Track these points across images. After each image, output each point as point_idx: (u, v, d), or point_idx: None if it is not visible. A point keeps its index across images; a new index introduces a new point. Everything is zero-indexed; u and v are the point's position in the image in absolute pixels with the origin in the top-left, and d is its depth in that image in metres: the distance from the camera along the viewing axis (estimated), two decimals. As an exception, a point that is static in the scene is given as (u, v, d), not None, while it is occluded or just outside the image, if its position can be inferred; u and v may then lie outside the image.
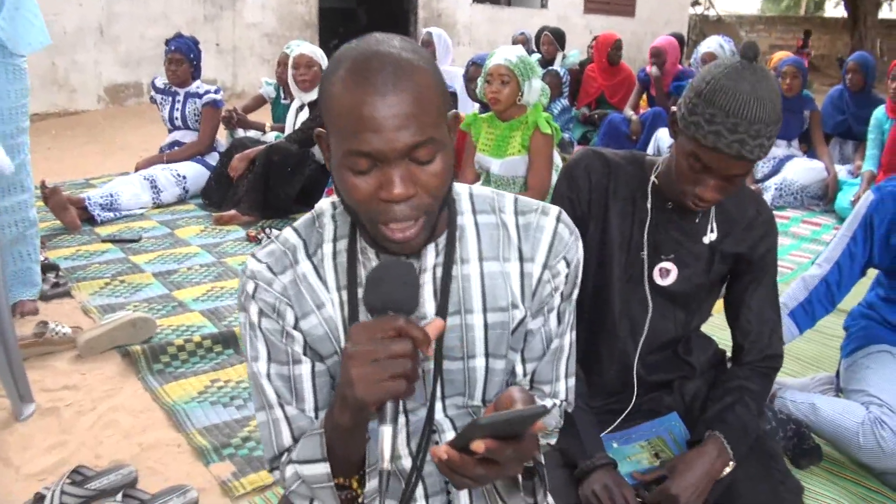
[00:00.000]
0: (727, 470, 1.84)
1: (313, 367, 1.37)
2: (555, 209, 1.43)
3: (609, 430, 2.02)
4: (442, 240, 1.36)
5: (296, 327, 1.35)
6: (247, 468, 2.46)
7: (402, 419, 1.42)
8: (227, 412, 2.80)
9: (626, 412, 2.01)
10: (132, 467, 2.41)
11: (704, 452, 1.83)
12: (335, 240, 1.37)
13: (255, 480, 2.40)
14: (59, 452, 2.57)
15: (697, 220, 1.93)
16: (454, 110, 1.28)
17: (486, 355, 1.40)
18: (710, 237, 1.92)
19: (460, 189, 1.42)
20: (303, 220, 1.42)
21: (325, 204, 1.42)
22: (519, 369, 1.49)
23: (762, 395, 2.01)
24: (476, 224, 1.40)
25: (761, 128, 1.65)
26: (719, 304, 2.13)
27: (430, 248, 1.34)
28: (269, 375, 1.36)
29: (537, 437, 1.16)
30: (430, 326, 1.15)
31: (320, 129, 1.26)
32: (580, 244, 1.43)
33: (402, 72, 1.14)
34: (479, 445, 1.07)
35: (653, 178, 1.92)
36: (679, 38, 9.07)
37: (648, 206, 1.92)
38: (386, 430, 1.11)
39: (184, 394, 2.93)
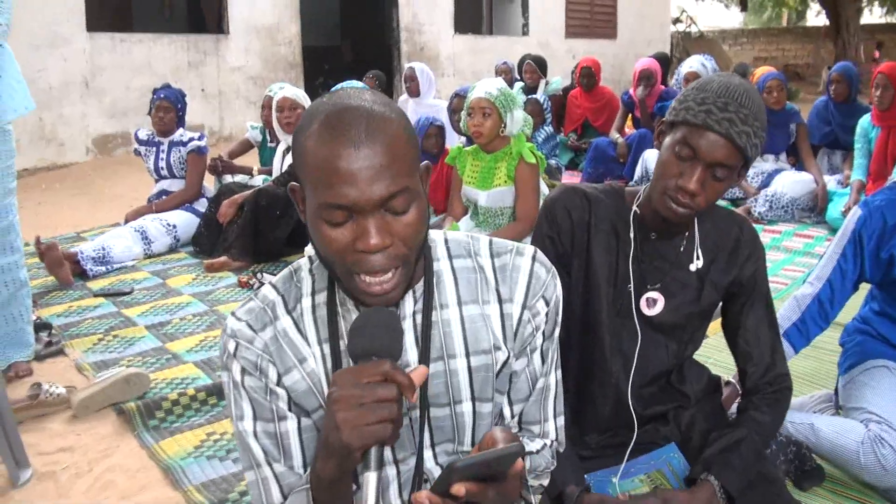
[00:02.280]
0: None
1: (299, 422, 1.37)
2: (530, 249, 1.44)
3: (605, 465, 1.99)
4: (419, 287, 1.36)
5: (279, 384, 1.35)
6: (245, 523, 2.44)
7: (392, 470, 1.42)
8: (223, 466, 2.77)
9: (628, 446, 1.98)
10: (129, 529, 2.39)
11: (694, 498, 1.79)
12: (314, 293, 1.38)
13: (253, 536, 2.36)
14: (56, 518, 2.54)
15: (682, 248, 1.92)
16: (426, 162, 1.29)
17: (473, 399, 1.41)
18: (697, 264, 1.91)
19: (435, 235, 1.43)
20: (280, 275, 1.43)
21: (302, 259, 1.43)
22: (507, 411, 1.49)
23: (773, 426, 1.98)
24: (452, 269, 1.41)
25: (749, 115, 1.69)
26: (716, 325, 2.11)
27: (409, 296, 1.35)
28: (255, 434, 1.36)
29: (520, 477, 1.15)
30: (414, 373, 1.16)
31: (294, 182, 1.27)
32: (558, 282, 1.44)
33: (374, 124, 1.16)
34: (459, 489, 1.06)
35: (635, 207, 1.92)
36: (663, 57, 9.14)
37: (631, 236, 1.91)
38: (371, 477, 1.11)
39: (180, 449, 2.90)
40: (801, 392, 3.03)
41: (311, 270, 1.40)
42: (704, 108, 1.71)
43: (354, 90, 1.24)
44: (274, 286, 1.40)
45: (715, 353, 3.37)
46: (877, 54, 19.63)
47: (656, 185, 1.81)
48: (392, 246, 1.18)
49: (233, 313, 1.37)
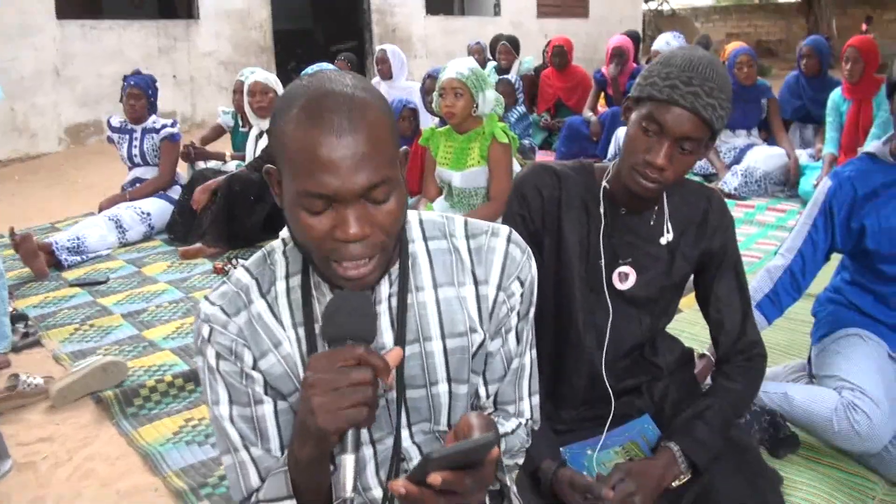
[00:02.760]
0: (678, 482, 1.82)
1: (275, 405, 1.36)
2: (505, 229, 1.43)
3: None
4: (395, 269, 1.36)
5: (255, 368, 1.34)
6: (225, 507, 2.45)
7: (369, 450, 1.42)
8: (202, 451, 2.78)
9: (604, 420, 1.99)
10: (110, 516, 2.39)
11: (652, 464, 1.82)
12: (288, 276, 1.37)
13: (234, 519, 2.37)
14: (37, 507, 2.53)
15: (652, 223, 1.94)
16: (404, 147, 1.28)
17: (449, 381, 1.41)
18: (667, 238, 1.93)
19: (410, 216, 1.42)
20: (254, 258, 1.42)
21: (275, 241, 1.42)
22: (482, 391, 1.49)
23: (746, 393, 2.00)
24: (428, 251, 1.40)
25: (714, 88, 1.70)
26: (689, 300, 2.13)
27: (384, 279, 1.35)
28: (231, 418, 1.35)
29: (496, 463, 1.15)
30: (389, 355, 1.16)
31: (270, 165, 1.25)
32: (533, 262, 1.44)
33: (357, 111, 1.14)
34: (435, 478, 1.06)
35: (604, 183, 1.93)
36: (634, 35, 9.14)
37: (601, 211, 1.92)
38: (348, 459, 1.11)
39: (158, 436, 2.90)
40: (775, 363, 3.06)
41: (284, 253, 1.39)
42: (669, 83, 1.71)
43: (335, 73, 1.22)
44: (247, 269, 1.39)
45: (688, 327, 3.40)
46: (864, 27, 19.65)
47: (625, 161, 1.82)
48: (371, 235, 1.18)
49: (206, 297, 1.37)
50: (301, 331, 1.35)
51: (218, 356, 1.33)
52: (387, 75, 7.63)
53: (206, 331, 1.33)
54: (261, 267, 1.39)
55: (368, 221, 1.17)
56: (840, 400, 2.36)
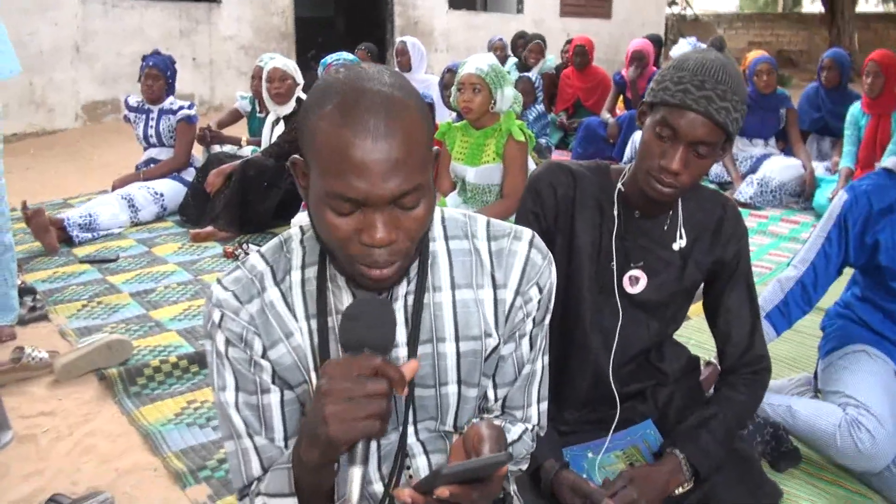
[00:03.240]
0: (681, 489, 1.82)
1: (282, 395, 1.35)
2: (528, 233, 1.41)
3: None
4: (413, 267, 1.33)
5: (264, 356, 1.32)
6: (223, 490, 2.44)
7: (373, 444, 1.40)
8: (203, 434, 2.78)
9: (607, 423, 1.98)
10: (108, 494, 2.39)
11: (657, 471, 1.82)
12: (304, 267, 1.35)
13: (231, 503, 2.38)
14: (36, 481, 2.54)
15: (666, 227, 1.93)
16: (437, 148, 1.25)
17: (459, 382, 1.39)
18: (680, 244, 1.92)
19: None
20: (270, 245, 1.39)
21: (293, 229, 1.40)
22: (491, 394, 1.48)
23: (749, 405, 1.99)
24: (448, 251, 1.38)
25: (727, 91, 1.68)
26: (697, 307, 2.12)
27: None
28: (237, 405, 1.34)
29: (503, 477, 1.15)
30: (405, 367, 1.13)
31: (296, 157, 1.23)
32: (553, 269, 1.42)
33: (393, 113, 1.10)
34: (443, 492, 1.06)
35: (619, 185, 1.92)
36: (656, 39, 9.12)
37: (615, 213, 1.91)
38: (356, 471, 1.09)
39: (160, 416, 2.91)
40: (781, 375, 3.05)
41: (301, 242, 1.36)
42: (682, 88, 1.70)
43: (373, 68, 1.17)
44: (263, 256, 1.37)
45: (696, 335, 3.38)
46: None
47: (640, 165, 1.81)
48: (397, 241, 1.15)
49: (219, 281, 1.34)
50: (314, 323, 1.33)
51: (227, 342, 1.31)
52: (406, 67, 7.62)
53: (216, 316, 1.31)
54: (277, 255, 1.37)
55: (395, 227, 1.14)
56: (844, 416, 2.35)
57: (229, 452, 1.38)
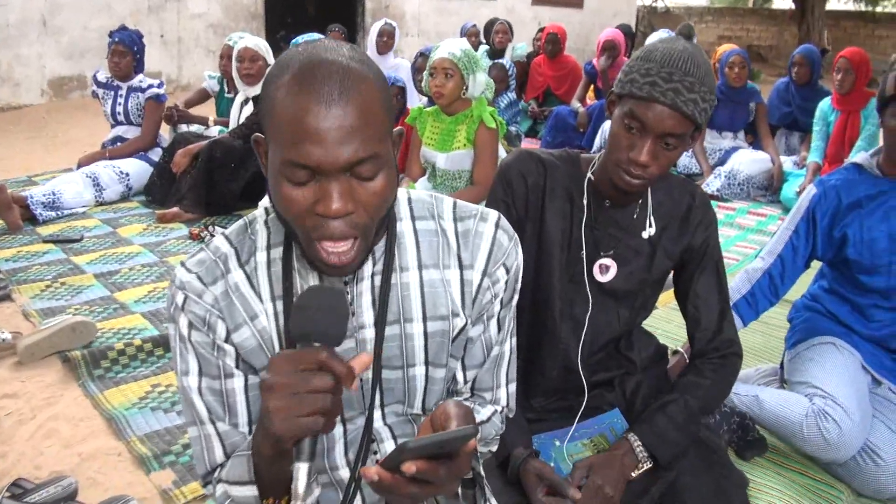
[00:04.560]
0: (637, 472, 1.83)
1: (246, 380, 1.33)
2: (494, 214, 1.41)
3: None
4: (380, 247, 1.33)
5: (227, 340, 1.31)
6: (188, 476, 2.42)
7: (339, 428, 1.39)
8: (167, 418, 2.75)
9: (574, 411, 1.99)
10: (72, 479, 2.36)
11: (612, 455, 1.83)
12: (269, 248, 1.33)
13: (196, 489, 2.36)
14: (-2, 464, 2.50)
15: (635, 216, 1.93)
16: (399, 128, 1.25)
17: (427, 364, 1.38)
18: (650, 231, 1.92)
19: (399, 194, 1.39)
20: (234, 226, 1.37)
21: (258, 210, 1.38)
22: (460, 376, 1.47)
23: (717, 390, 1.99)
24: (415, 231, 1.37)
25: (695, 82, 1.68)
26: (666, 297, 2.12)
27: (368, 256, 1.31)
28: (200, 390, 1.32)
29: (471, 454, 1.13)
30: (355, 361, 1.12)
31: (258, 134, 1.22)
32: (519, 250, 1.42)
33: (349, 82, 1.10)
34: (409, 467, 1.04)
35: (589, 174, 1.92)
36: (627, 29, 9.14)
37: (585, 202, 1.91)
38: (301, 468, 1.07)
39: (124, 400, 2.87)
40: (748, 365, 3.07)
41: (266, 223, 1.35)
42: (649, 80, 1.69)
43: (332, 42, 1.18)
44: (227, 238, 1.35)
45: (663, 324, 3.40)
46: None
47: (609, 157, 1.80)
48: (354, 213, 1.14)
49: (182, 263, 1.32)
50: (279, 304, 1.31)
51: (190, 325, 1.29)
52: (386, 50, 7.53)
53: (180, 298, 1.29)
54: (241, 236, 1.35)
55: (352, 198, 1.13)
56: (811, 407, 2.37)
57: (192, 438, 1.36)
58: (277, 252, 1.32)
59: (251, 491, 1.23)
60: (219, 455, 1.33)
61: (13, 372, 3.10)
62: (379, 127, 1.13)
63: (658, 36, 7.39)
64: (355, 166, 1.11)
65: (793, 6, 21.83)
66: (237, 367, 1.32)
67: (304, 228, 1.16)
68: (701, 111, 1.69)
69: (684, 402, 1.91)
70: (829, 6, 22.41)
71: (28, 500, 2.23)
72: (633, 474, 1.83)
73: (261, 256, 1.33)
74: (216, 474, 1.33)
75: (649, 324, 2.28)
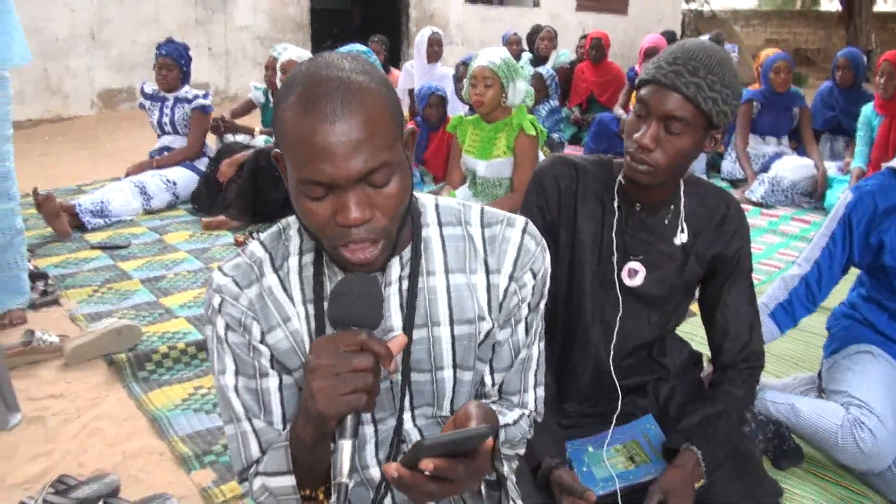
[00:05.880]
0: (698, 484, 1.83)
1: (280, 380, 1.38)
2: (521, 220, 1.43)
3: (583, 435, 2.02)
4: (406, 252, 1.36)
5: (262, 341, 1.35)
6: (227, 475, 2.47)
7: (371, 429, 1.43)
8: (209, 419, 2.82)
9: (608, 417, 2.00)
10: (115, 476, 2.42)
11: (682, 471, 1.81)
12: (301, 253, 1.38)
13: (234, 488, 2.41)
14: (43, 461, 2.58)
15: (667, 221, 1.94)
16: (410, 127, 1.28)
17: (454, 367, 1.41)
18: (681, 238, 1.93)
19: (426, 201, 1.43)
20: (269, 232, 1.42)
21: (291, 217, 1.42)
22: (488, 380, 1.50)
23: (746, 401, 2.00)
24: (442, 236, 1.40)
25: (700, 67, 1.70)
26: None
27: (395, 261, 1.35)
28: (236, 389, 1.37)
29: (491, 453, 1.16)
30: (392, 342, 1.17)
31: (277, 150, 1.26)
32: (547, 255, 1.44)
33: (351, 96, 1.13)
34: (427, 464, 1.07)
35: (620, 178, 1.93)
36: (670, 35, 9.08)
37: (616, 206, 1.93)
38: (345, 444, 1.12)
39: (167, 401, 2.94)
40: (786, 374, 3.06)
41: (299, 229, 1.39)
42: (656, 66, 1.74)
43: (334, 56, 1.21)
44: (262, 243, 1.40)
45: (700, 331, 3.37)
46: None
47: (625, 148, 1.83)
48: (373, 219, 1.18)
49: (219, 268, 1.38)
50: (311, 308, 1.36)
51: (227, 327, 1.34)
52: (437, 58, 7.56)
53: (216, 301, 1.34)
54: (275, 242, 1.40)
55: (369, 205, 1.17)
56: (847, 415, 2.36)
57: (229, 436, 1.41)
58: (309, 257, 1.37)
59: (289, 481, 1.28)
60: (255, 451, 1.38)
61: (60, 373, 3.19)
62: (386, 134, 1.17)
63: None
64: (367, 176, 1.15)
65: (840, 9, 21.57)
66: (272, 367, 1.37)
67: (328, 237, 1.20)
68: (707, 99, 1.70)
69: (733, 417, 1.92)
70: (877, 8, 22.09)
71: (71, 495, 2.29)
72: (696, 487, 1.84)
73: (293, 261, 1.37)
74: (252, 469, 1.38)
75: (687, 330, 2.29)
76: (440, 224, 1.42)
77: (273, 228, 1.43)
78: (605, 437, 1.99)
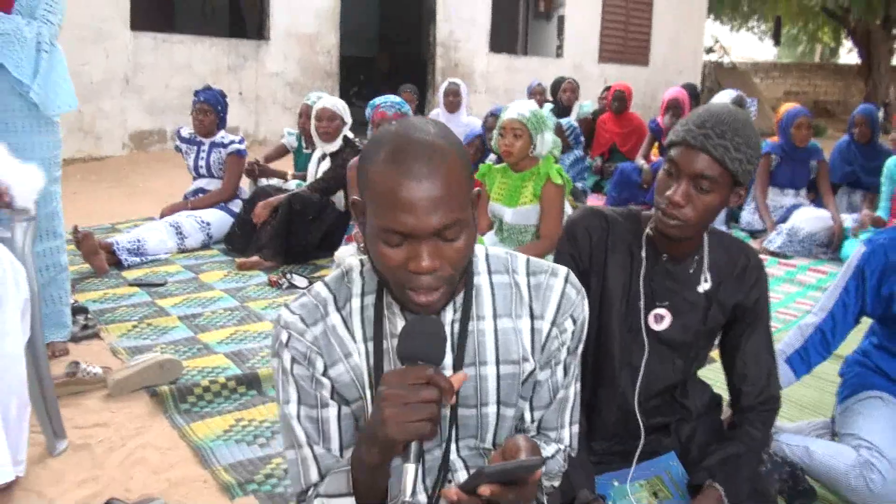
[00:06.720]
0: None
1: (339, 410, 1.51)
2: (563, 270, 1.57)
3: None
4: (459, 298, 1.50)
5: (324, 374, 1.49)
6: (269, 503, 2.58)
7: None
8: (250, 450, 2.92)
9: (632, 455, 2.11)
10: (162, 499, 2.53)
11: None
12: (363, 294, 1.52)
13: (276, 514, 2.52)
14: (91, 486, 2.68)
15: (692, 271, 2.07)
16: (478, 189, 1.43)
17: (498, 403, 1.54)
18: (705, 286, 2.06)
19: (477, 250, 1.56)
20: (333, 275, 1.57)
21: (353, 261, 1.57)
22: (527, 416, 1.62)
23: (763, 442, 2.13)
24: (491, 283, 1.55)
25: (727, 130, 1.85)
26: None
27: (449, 305, 1.49)
28: (298, 417, 1.50)
29: (538, 482, 1.30)
30: (454, 378, 1.31)
31: (356, 198, 1.41)
32: (586, 303, 1.58)
33: (436, 158, 1.29)
34: (485, 489, 1.22)
35: (648, 229, 2.07)
36: (692, 88, 9.25)
37: (643, 255, 2.06)
38: (410, 468, 1.26)
39: (209, 432, 3.05)
40: (801, 419, 3.15)
41: (361, 273, 1.53)
42: (685, 128, 1.89)
43: (420, 121, 1.36)
44: (327, 285, 1.54)
45: (719, 376, 3.48)
46: None
47: (655, 204, 1.97)
48: (440, 268, 1.32)
49: (287, 306, 1.52)
50: (370, 345, 1.50)
51: (293, 360, 1.48)
52: (455, 108, 7.78)
53: (284, 336, 1.48)
54: (339, 283, 1.54)
55: (439, 256, 1.31)
56: (857, 457, 2.45)
57: (290, 460, 1.54)
58: (370, 299, 1.51)
59: (349, 502, 1.41)
60: (314, 475, 1.51)
61: (104, 403, 3.29)
62: (461, 195, 1.32)
63: (724, 95, 7.52)
64: (442, 231, 1.30)
65: (859, 61, 21.69)
66: (332, 398, 1.50)
67: (398, 281, 1.34)
68: (733, 159, 1.85)
69: (750, 456, 2.04)
70: (895, 61, 22.22)
71: (124, 516, 2.42)
72: None
73: (356, 302, 1.52)
74: (311, 492, 1.51)
75: (708, 375, 2.41)
76: (490, 272, 1.55)
77: (336, 272, 1.57)
78: (629, 472, 2.11)
